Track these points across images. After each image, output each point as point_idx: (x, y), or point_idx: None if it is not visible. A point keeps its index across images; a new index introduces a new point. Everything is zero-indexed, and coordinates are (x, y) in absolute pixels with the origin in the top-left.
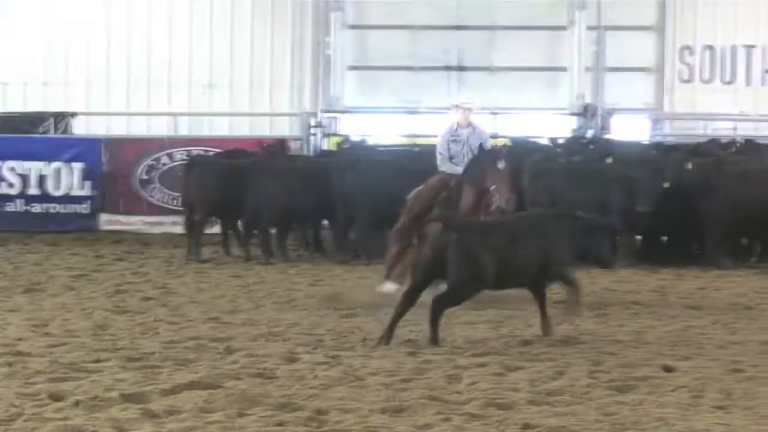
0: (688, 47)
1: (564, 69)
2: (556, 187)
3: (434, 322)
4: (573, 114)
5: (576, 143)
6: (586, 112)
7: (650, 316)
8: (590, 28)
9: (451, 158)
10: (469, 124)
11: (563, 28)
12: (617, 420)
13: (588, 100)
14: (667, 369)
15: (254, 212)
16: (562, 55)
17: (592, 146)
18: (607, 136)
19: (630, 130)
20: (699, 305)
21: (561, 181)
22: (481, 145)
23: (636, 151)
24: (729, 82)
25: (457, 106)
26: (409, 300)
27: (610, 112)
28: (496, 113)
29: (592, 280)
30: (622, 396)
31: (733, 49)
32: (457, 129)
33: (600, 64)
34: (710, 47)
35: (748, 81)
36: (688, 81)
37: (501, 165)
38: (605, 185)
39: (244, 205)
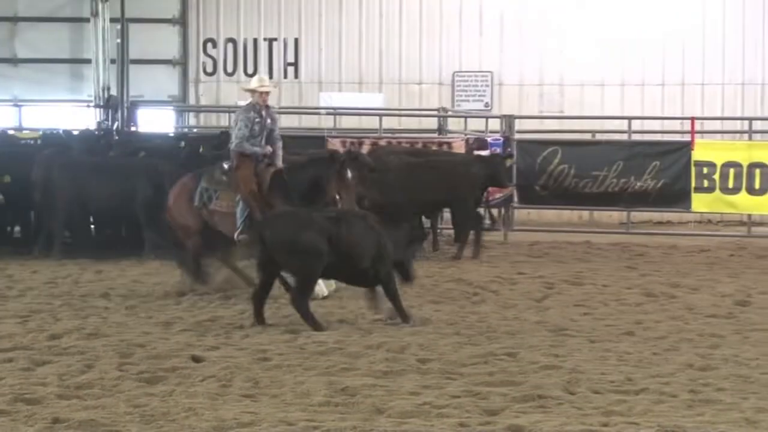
0: (211, 40)
1: (89, 61)
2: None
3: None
4: (97, 106)
5: (90, 135)
6: (108, 104)
7: (179, 308)
8: (114, 20)
9: (249, 138)
10: (267, 107)
11: (86, 20)
12: (147, 411)
13: (113, 92)
14: (196, 359)
15: None
16: (87, 47)
17: (104, 139)
18: (132, 129)
19: (155, 122)
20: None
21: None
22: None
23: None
24: (252, 75)
25: (253, 90)
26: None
27: (135, 104)
28: (20, 105)
29: (121, 272)
30: (151, 387)
31: (255, 42)
32: (260, 110)
33: (124, 57)
34: (233, 40)
35: (270, 73)
36: (212, 74)
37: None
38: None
39: None
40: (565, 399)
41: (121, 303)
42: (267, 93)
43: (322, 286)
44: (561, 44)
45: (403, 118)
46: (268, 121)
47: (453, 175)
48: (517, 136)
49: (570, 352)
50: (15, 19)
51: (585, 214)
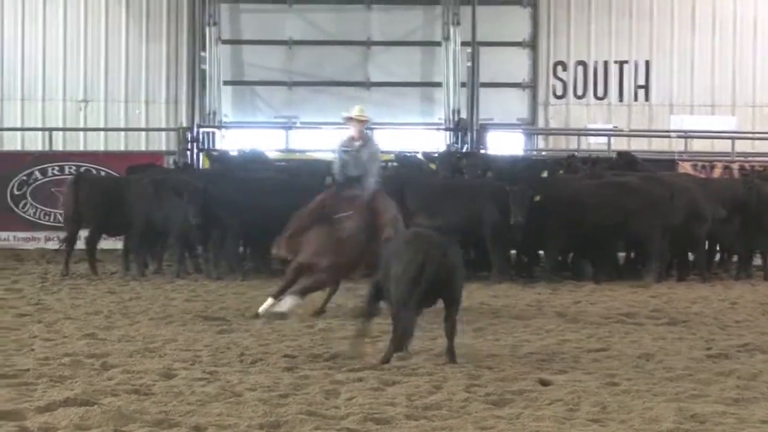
0: (561, 63)
1: (439, 84)
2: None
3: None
4: (448, 129)
5: (451, 157)
6: (458, 127)
7: (526, 330)
8: (465, 43)
9: (342, 168)
10: (362, 137)
11: (438, 44)
12: None
13: (463, 115)
14: (543, 383)
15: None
16: (437, 70)
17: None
18: (482, 151)
19: (504, 144)
20: (575, 319)
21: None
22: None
23: (511, 165)
24: (601, 98)
25: (350, 118)
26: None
27: (485, 127)
28: (371, 129)
29: (468, 294)
30: (498, 410)
31: (606, 64)
32: (350, 140)
33: (474, 80)
34: (583, 63)
35: (620, 96)
36: (561, 96)
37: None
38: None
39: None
40: None
41: (468, 325)
42: (360, 122)
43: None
44: None
45: (757, 141)
46: (362, 154)
47: None
48: None
49: None
50: (369, 43)
51: None
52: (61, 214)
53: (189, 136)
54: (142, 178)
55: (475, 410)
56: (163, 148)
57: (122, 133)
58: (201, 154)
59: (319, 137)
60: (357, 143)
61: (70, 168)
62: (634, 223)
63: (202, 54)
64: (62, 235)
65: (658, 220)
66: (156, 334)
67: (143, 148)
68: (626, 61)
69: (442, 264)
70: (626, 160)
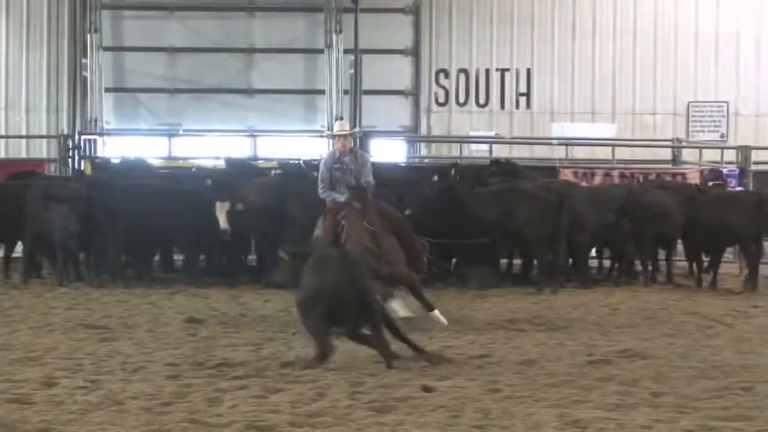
0: (443, 71)
1: (322, 92)
2: None
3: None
4: (330, 137)
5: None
6: None
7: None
8: (347, 51)
9: (333, 186)
10: (351, 150)
11: (321, 51)
12: None
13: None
14: (426, 389)
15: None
16: (320, 77)
17: None
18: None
19: (388, 152)
20: (457, 325)
21: None
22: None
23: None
24: (483, 105)
25: (334, 135)
26: None
27: (368, 134)
28: (255, 135)
29: None
30: (382, 417)
31: (488, 72)
32: (339, 156)
33: (357, 87)
34: (465, 71)
35: (502, 104)
36: (443, 104)
37: (356, 205)
38: None
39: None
40: None
41: None
42: (344, 137)
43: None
44: None
45: (637, 148)
46: (352, 166)
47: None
48: (753, 167)
49: None
50: (251, 50)
51: None
52: None
53: (70, 143)
54: (27, 184)
55: (359, 417)
56: (44, 155)
57: (1, 140)
58: (83, 162)
59: (202, 144)
60: (346, 158)
61: None
62: (527, 231)
63: (84, 61)
64: None
65: (549, 228)
66: (37, 343)
67: (24, 156)
68: (507, 69)
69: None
70: (506, 167)
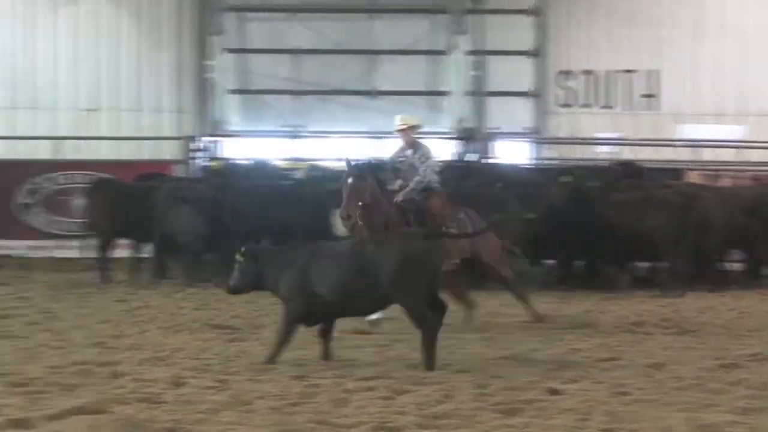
0: (567, 72)
1: (445, 93)
2: None
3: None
4: (454, 138)
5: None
6: (465, 136)
7: (535, 339)
8: (470, 52)
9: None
10: (413, 143)
11: (443, 52)
12: None
13: (469, 124)
14: (553, 392)
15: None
16: (443, 79)
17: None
18: (488, 160)
19: (512, 153)
20: (586, 327)
21: None
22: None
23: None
24: (608, 107)
25: (397, 130)
26: None
27: (491, 136)
28: (379, 137)
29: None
30: (509, 419)
31: (612, 74)
32: (400, 150)
33: (480, 89)
34: (589, 72)
35: (626, 106)
36: (567, 105)
37: (350, 180)
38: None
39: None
40: None
41: (477, 334)
42: (403, 130)
43: None
44: None
45: (763, 150)
46: (416, 156)
47: None
48: None
49: None
50: (374, 52)
51: None
52: (73, 222)
53: (194, 145)
54: (155, 185)
55: (486, 419)
56: (169, 157)
57: (126, 142)
58: (212, 163)
59: (326, 146)
60: (408, 151)
61: (82, 176)
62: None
63: (208, 63)
64: (82, 242)
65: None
66: (165, 343)
67: (148, 157)
68: (632, 70)
69: None
70: (632, 169)
